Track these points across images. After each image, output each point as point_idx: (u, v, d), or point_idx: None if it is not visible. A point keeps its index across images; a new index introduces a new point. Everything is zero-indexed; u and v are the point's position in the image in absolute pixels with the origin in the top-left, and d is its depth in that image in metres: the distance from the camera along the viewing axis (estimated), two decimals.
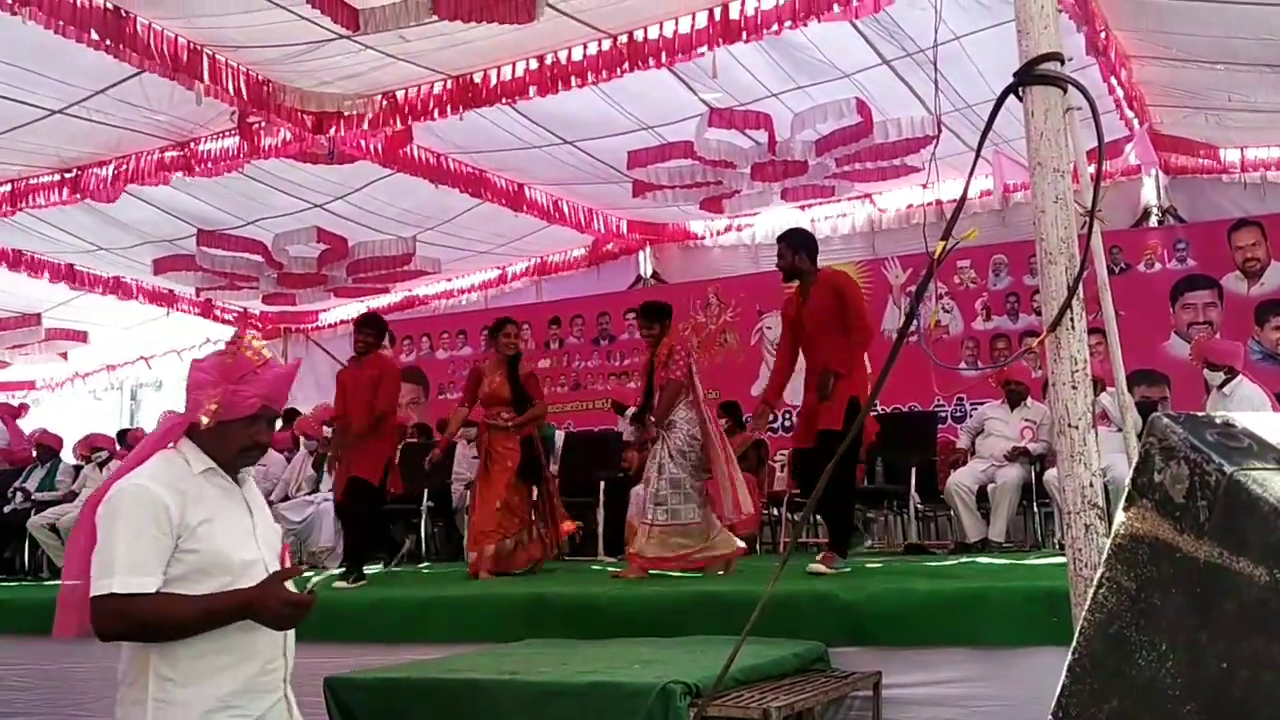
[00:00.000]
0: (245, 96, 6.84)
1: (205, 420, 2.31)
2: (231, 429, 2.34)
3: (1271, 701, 0.83)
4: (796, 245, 5.73)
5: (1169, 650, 0.91)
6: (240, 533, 2.35)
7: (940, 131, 7.26)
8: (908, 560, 6.81)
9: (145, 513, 2.21)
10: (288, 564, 2.44)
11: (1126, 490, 0.97)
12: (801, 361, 5.76)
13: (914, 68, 7.11)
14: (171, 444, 2.36)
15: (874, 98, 7.50)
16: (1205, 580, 0.90)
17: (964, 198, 2.19)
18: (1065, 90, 1.65)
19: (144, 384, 14.74)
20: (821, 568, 5.28)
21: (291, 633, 2.41)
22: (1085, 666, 0.95)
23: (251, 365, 2.36)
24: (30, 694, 6.01)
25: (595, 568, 7.28)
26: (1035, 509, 7.42)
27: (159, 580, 2.21)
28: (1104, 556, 0.96)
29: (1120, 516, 0.96)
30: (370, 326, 6.94)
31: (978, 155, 1.86)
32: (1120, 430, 1.92)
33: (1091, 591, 0.97)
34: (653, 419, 6.08)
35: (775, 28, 6.16)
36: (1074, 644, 0.96)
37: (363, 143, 7.87)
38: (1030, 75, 1.66)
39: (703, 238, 11.31)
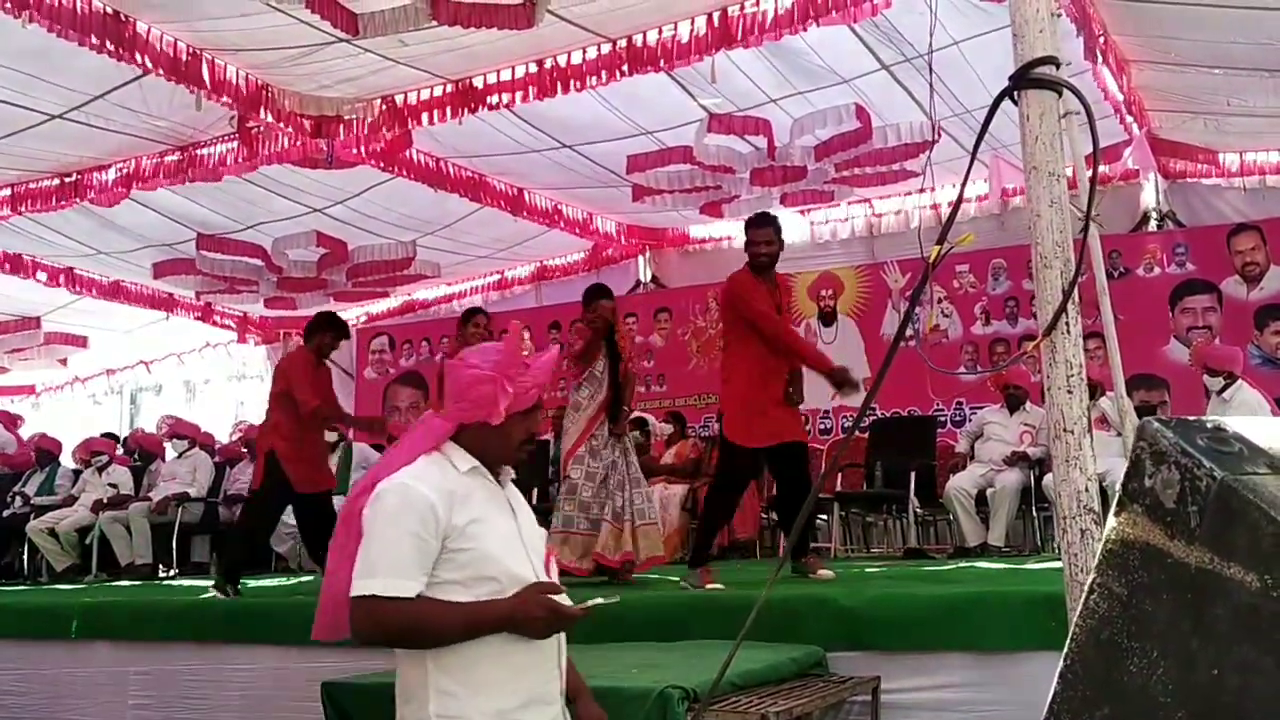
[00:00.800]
0: (244, 100, 6.84)
1: (502, 416, 2.23)
2: (514, 423, 2.27)
3: (1263, 708, 0.83)
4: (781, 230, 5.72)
5: (1160, 657, 0.91)
6: (506, 535, 2.27)
7: (939, 136, 7.27)
8: (907, 565, 6.81)
9: (411, 513, 2.13)
10: (553, 569, 2.34)
11: (1117, 495, 0.97)
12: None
13: (913, 73, 7.11)
14: (436, 447, 2.28)
15: (873, 103, 7.50)
16: (1196, 586, 0.90)
17: (959, 202, 2.19)
18: (1060, 94, 1.65)
19: (144, 388, 14.75)
20: (828, 573, 5.32)
21: (564, 644, 2.32)
22: (1077, 673, 0.95)
23: (523, 357, 2.30)
24: (28, 699, 6.01)
25: None
26: (1034, 513, 7.42)
27: (421, 585, 2.13)
28: (1095, 562, 0.96)
29: (1111, 522, 0.96)
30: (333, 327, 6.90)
31: (972, 159, 1.86)
32: (1120, 434, 1.92)
33: (1083, 597, 0.96)
34: (627, 410, 5.97)
35: (774, 33, 6.16)
36: (1065, 650, 0.96)
37: (362, 147, 7.87)
38: (1025, 79, 1.66)
39: (702, 242, 11.31)
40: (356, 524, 2.20)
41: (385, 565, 2.11)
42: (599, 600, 2.28)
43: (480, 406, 2.24)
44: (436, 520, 2.14)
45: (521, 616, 2.16)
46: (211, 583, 6.54)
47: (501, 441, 2.29)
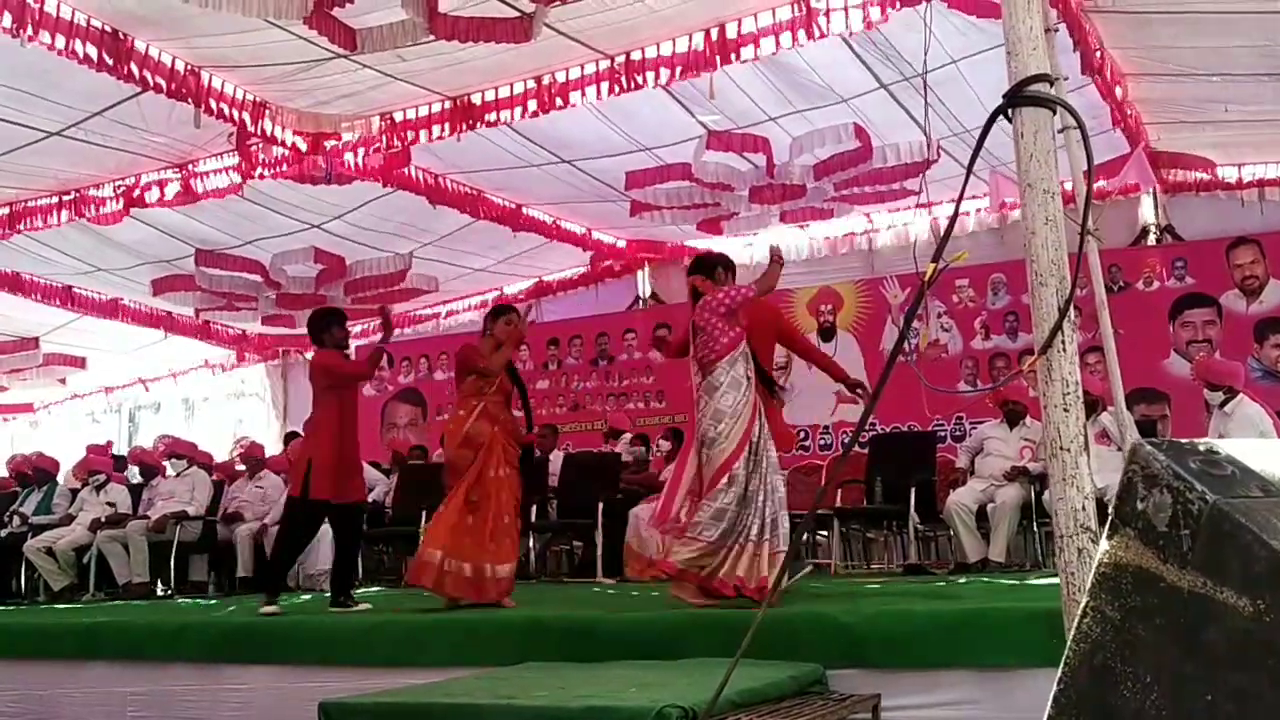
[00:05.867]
0: (243, 117, 6.85)
1: None
2: None
3: None
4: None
5: (1153, 682, 0.90)
6: None
7: (938, 156, 7.27)
8: (907, 581, 6.78)
9: None
10: None
11: (1110, 519, 0.95)
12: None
13: (911, 92, 7.11)
14: None
15: (872, 122, 7.50)
16: (1189, 611, 0.89)
17: (953, 221, 2.19)
18: (1055, 111, 1.64)
19: (142, 406, 14.73)
20: None
21: None
22: (1070, 697, 0.94)
23: None
24: None
25: (595, 590, 7.25)
26: (1035, 529, 7.37)
27: None
28: (1088, 585, 0.95)
29: (1104, 545, 0.95)
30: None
31: (967, 177, 1.86)
32: (1121, 449, 1.91)
33: (1076, 621, 0.95)
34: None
35: (770, 42, 6.17)
36: (1059, 674, 0.95)
37: (360, 163, 7.87)
38: (1019, 97, 1.65)
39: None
40: None
41: None
42: None
43: None
44: None
45: None
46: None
47: None
